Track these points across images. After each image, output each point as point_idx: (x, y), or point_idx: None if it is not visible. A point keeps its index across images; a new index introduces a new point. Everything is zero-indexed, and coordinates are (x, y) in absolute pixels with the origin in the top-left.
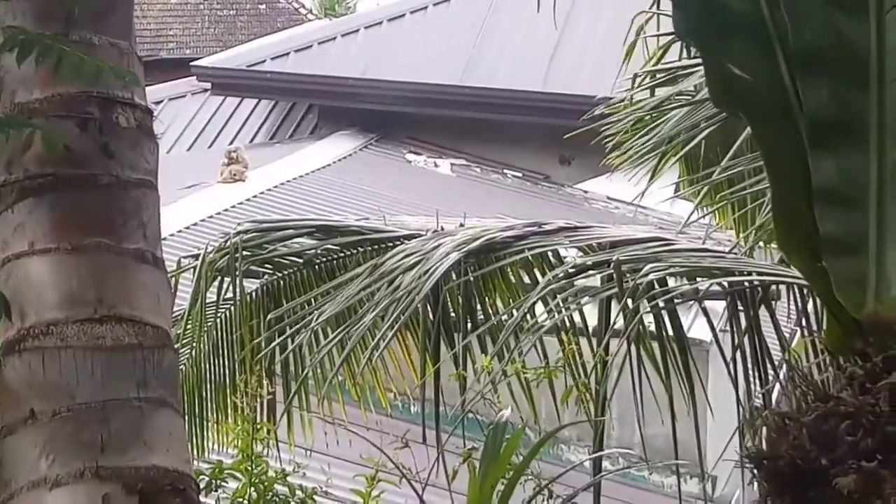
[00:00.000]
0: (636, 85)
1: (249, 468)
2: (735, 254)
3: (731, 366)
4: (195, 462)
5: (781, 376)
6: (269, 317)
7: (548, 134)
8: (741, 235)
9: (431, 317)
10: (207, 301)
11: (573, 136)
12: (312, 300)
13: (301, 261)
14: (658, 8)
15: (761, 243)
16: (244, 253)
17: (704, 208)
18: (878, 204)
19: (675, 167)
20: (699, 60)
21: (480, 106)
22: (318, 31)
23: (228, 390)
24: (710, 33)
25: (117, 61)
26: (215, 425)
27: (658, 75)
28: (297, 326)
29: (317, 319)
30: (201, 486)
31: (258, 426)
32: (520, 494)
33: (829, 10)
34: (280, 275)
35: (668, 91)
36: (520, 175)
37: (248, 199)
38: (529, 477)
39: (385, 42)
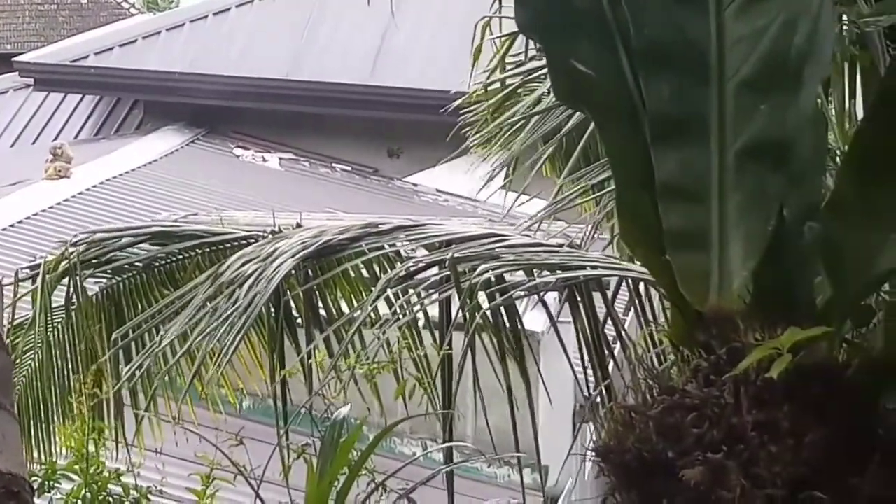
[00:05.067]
0: (471, 80)
1: (84, 468)
2: (570, 248)
3: (567, 357)
4: (29, 464)
5: (615, 366)
6: (113, 336)
7: (375, 127)
8: (573, 226)
9: (275, 317)
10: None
11: (400, 129)
12: (156, 313)
13: (140, 265)
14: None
15: (598, 234)
16: (83, 261)
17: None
18: (719, 199)
19: (504, 157)
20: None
21: (307, 100)
22: (143, 25)
23: (71, 394)
24: (553, 28)
25: None
26: (58, 428)
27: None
28: (141, 329)
29: (163, 340)
30: (35, 487)
31: (92, 426)
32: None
33: (670, 5)
34: (119, 279)
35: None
36: (349, 169)
37: (73, 196)
38: (364, 472)
39: (211, 36)
